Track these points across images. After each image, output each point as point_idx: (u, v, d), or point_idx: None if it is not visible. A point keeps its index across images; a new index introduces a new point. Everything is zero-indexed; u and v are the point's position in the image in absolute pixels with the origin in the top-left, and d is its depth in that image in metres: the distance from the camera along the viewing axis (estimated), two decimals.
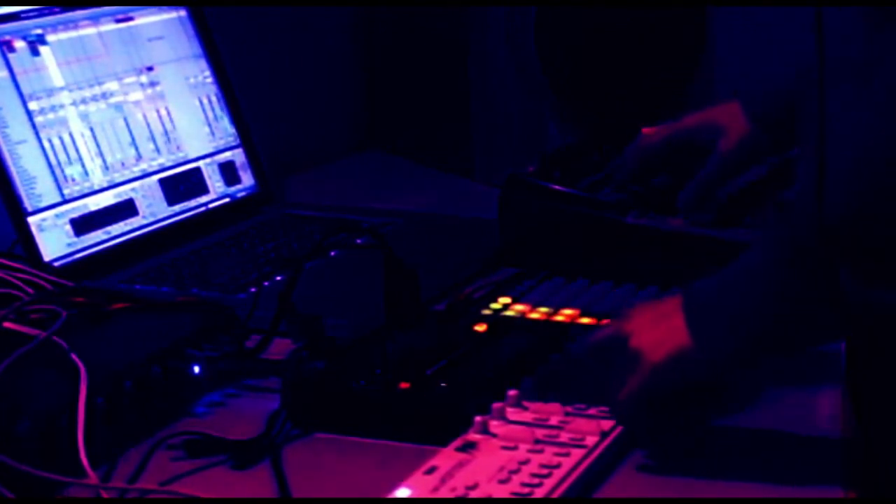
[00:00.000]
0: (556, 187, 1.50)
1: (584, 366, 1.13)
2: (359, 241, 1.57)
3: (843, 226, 0.95)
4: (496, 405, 1.10)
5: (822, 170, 0.96)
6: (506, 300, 1.37)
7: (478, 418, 1.08)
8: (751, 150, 1.41)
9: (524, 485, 1.00)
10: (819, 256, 0.98)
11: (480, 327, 1.27)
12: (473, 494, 0.99)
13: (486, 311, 1.35)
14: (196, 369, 1.20)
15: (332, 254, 1.55)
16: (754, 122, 1.39)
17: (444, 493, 0.99)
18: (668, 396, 1.08)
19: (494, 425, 1.08)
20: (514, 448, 1.05)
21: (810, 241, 0.98)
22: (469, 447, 1.05)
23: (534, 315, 1.34)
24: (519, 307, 1.36)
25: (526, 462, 1.03)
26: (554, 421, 1.10)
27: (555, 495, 0.99)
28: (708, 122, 1.43)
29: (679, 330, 1.05)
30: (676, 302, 1.07)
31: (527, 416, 1.10)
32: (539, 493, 0.99)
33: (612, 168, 1.52)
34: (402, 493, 0.99)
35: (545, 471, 1.01)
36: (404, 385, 1.14)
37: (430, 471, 1.02)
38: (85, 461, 1.03)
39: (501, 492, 0.99)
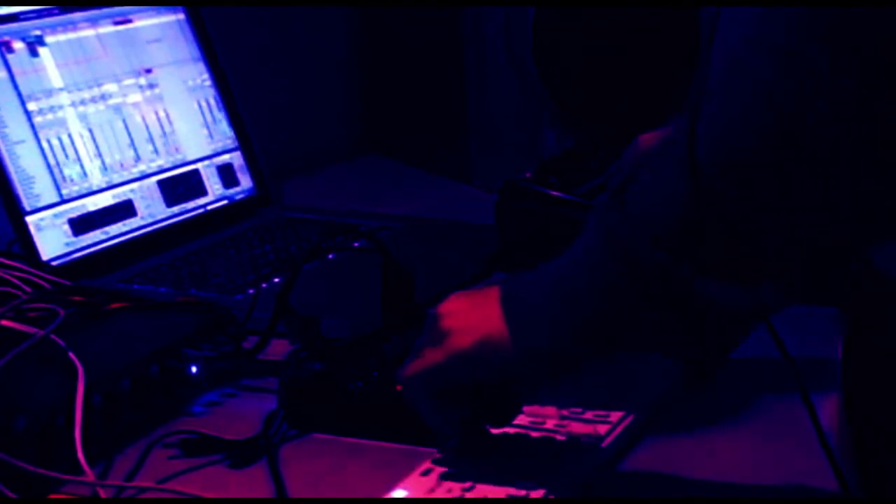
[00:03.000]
0: (553, 193, 1.50)
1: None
2: (356, 243, 1.57)
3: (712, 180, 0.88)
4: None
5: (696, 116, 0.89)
6: None
7: None
8: None
9: (520, 486, 1.00)
10: (649, 252, 0.90)
11: None
12: (470, 496, 0.99)
13: None
14: (193, 369, 1.20)
15: (330, 256, 1.55)
16: None
17: (440, 495, 0.99)
18: (461, 385, 1.01)
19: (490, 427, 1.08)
20: None
21: (640, 234, 0.91)
22: None
23: None
24: None
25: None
26: (549, 425, 1.10)
27: (552, 496, 1.00)
28: None
29: (493, 318, 0.98)
30: (495, 290, 1.00)
31: (522, 420, 1.10)
32: (536, 496, 0.99)
33: (608, 174, 1.53)
34: (399, 494, 1.00)
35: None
36: (400, 387, 1.14)
37: (427, 472, 1.02)
38: (82, 459, 1.03)
39: (498, 494, 0.99)
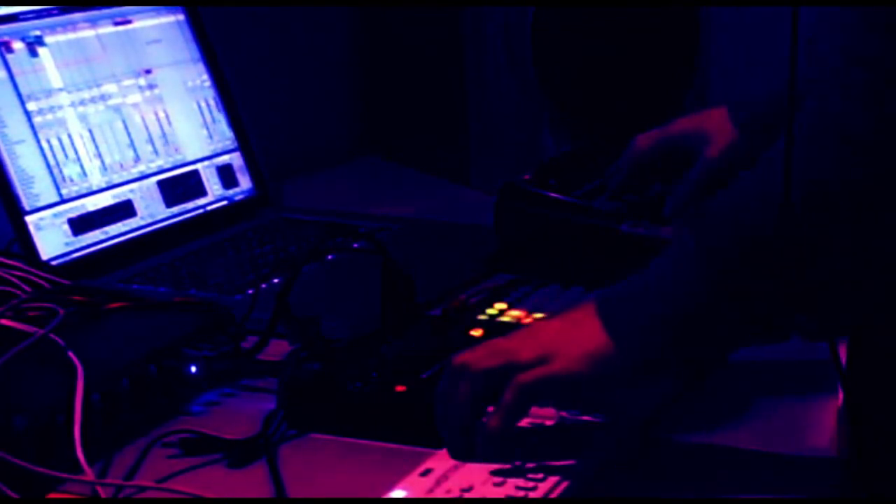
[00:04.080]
0: (552, 195, 1.51)
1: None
2: (355, 244, 1.58)
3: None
4: (490, 409, 1.10)
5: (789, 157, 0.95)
6: (501, 306, 1.37)
7: None
8: (736, 157, 1.41)
9: (518, 488, 1.00)
10: (731, 258, 0.98)
11: (476, 332, 1.28)
12: (468, 497, 0.99)
13: (482, 317, 1.35)
14: (193, 369, 1.20)
15: (330, 257, 1.55)
16: (740, 128, 1.40)
17: (439, 495, 0.99)
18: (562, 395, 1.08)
19: None
20: None
21: (722, 243, 0.99)
22: None
23: (529, 321, 1.34)
24: (514, 313, 1.36)
25: (520, 466, 1.03)
26: (549, 425, 1.11)
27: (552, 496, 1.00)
28: (695, 129, 1.43)
29: (596, 333, 1.03)
30: (588, 308, 1.05)
31: (523, 421, 1.10)
32: (535, 496, 0.99)
33: (607, 175, 1.53)
34: (398, 494, 1.00)
35: (540, 474, 1.02)
36: (400, 388, 1.15)
37: (426, 473, 1.02)
38: (81, 458, 1.03)
39: (497, 495, 0.99)
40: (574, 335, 1.04)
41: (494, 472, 1.02)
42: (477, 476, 1.02)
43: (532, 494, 0.99)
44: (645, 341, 1.03)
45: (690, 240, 1.01)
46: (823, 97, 0.96)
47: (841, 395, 1.13)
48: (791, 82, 0.96)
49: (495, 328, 1.31)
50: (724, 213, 1.01)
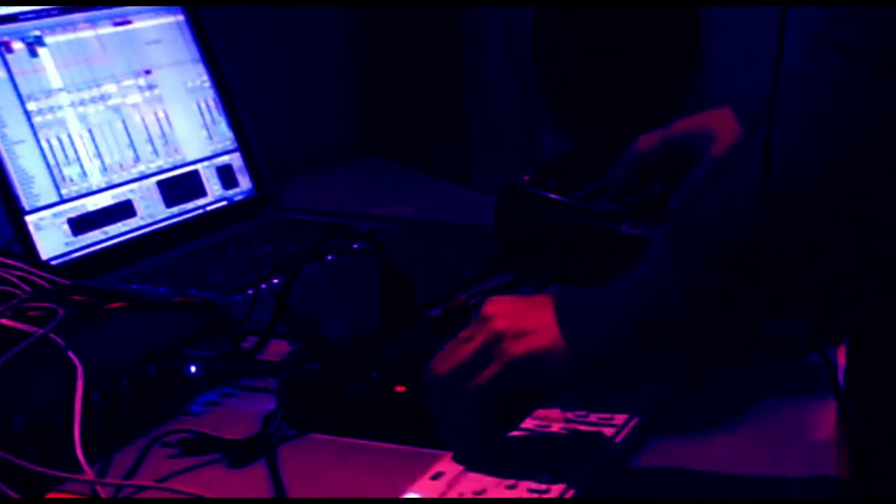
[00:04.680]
0: (552, 196, 1.50)
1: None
2: (355, 245, 1.58)
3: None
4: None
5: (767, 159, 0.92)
6: None
7: None
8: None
9: (531, 490, 1.00)
10: (705, 266, 0.95)
11: None
12: (481, 498, 0.99)
13: None
14: (192, 369, 1.20)
15: (329, 257, 1.55)
16: (747, 127, 1.39)
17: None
18: (515, 393, 1.04)
19: None
20: None
21: (698, 254, 0.96)
22: None
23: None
24: None
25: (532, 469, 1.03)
26: (555, 428, 1.10)
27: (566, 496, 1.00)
28: (699, 128, 1.43)
29: (546, 324, 1.01)
30: (545, 297, 1.03)
31: (528, 423, 1.10)
32: (549, 497, 0.99)
33: (608, 175, 1.53)
34: (411, 496, 1.00)
35: (551, 477, 1.02)
36: (399, 388, 1.14)
37: (437, 476, 1.02)
38: (81, 457, 1.03)
39: (517, 492, 1.00)
40: (522, 326, 1.01)
41: (514, 470, 1.02)
42: (489, 479, 1.01)
43: (546, 496, 0.99)
44: (596, 339, 1.00)
45: (664, 243, 0.99)
46: (806, 89, 0.95)
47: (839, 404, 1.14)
48: (774, 78, 0.95)
49: None
50: (701, 216, 0.99)
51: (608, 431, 1.09)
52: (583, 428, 1.10)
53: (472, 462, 1.04)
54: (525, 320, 1.02)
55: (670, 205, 1.44)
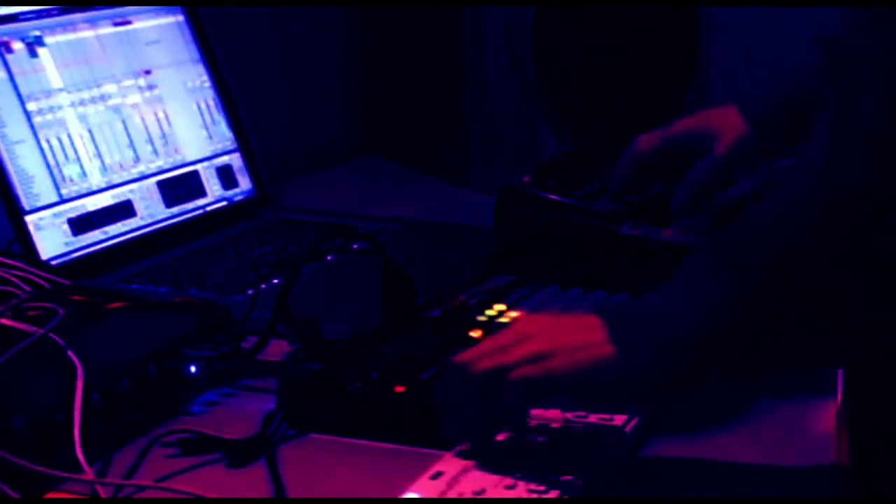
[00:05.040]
0: (552, 197, 1.51)
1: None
2: (355, 245, 1.58)
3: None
4: None
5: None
6: (501, 307, 1.37)
7: None
8: (745, 153, 1.40)
9: (531, 491, 1.00)
10: (760, 281, 0.96)
11: (475, 333, 1.28)
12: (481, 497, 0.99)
13: (481, 318, 1.35)
14: (192, 368, 1.20)
15: (329, 258, 1.55)
16: (751, 125, 1.39)
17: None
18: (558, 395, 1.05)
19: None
20: None
21: (752, 262, 0.97)
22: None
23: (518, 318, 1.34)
24: (514, 314, 1.36)
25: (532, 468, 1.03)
26: (556, 427, 1.10)
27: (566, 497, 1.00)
28: (702, 127, 1.43)
29: (602, 340, 1.02)
30: (590, 317, 1.04)
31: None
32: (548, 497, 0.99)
33: (608, 175, 1.53)
34: (410, 496, 1.00)
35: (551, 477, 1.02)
36: (399, 388, 1.15)
37: (436, 476, 1.02)
38: (81, 457, 1.03)
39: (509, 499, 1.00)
40: (574, 338, 1.03)
41: (504, 476, 1.02)
42: (488, 479, 1.02)
43: (545, 496, 0.99)
44: (653, 359, 1.00)
45: (713, 258, 0.99)
46: (842, 99, 0.95)
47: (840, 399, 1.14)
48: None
49: (495, 329, 1.31)
50: (752, 233, 0.99)
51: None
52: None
53: (479, 456, 1.04)
54: (578, 335, 1.02)
55: (671, 204, 1.44)
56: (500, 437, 1.08)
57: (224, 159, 1.77)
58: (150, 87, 1.71)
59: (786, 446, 1.12)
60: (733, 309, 0.98)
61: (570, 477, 1.02)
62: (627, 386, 1.01)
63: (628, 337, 1.01)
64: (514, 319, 1.08)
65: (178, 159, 1.71)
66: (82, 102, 1.61)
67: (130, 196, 1.62)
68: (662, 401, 1.10)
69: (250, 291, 1.43)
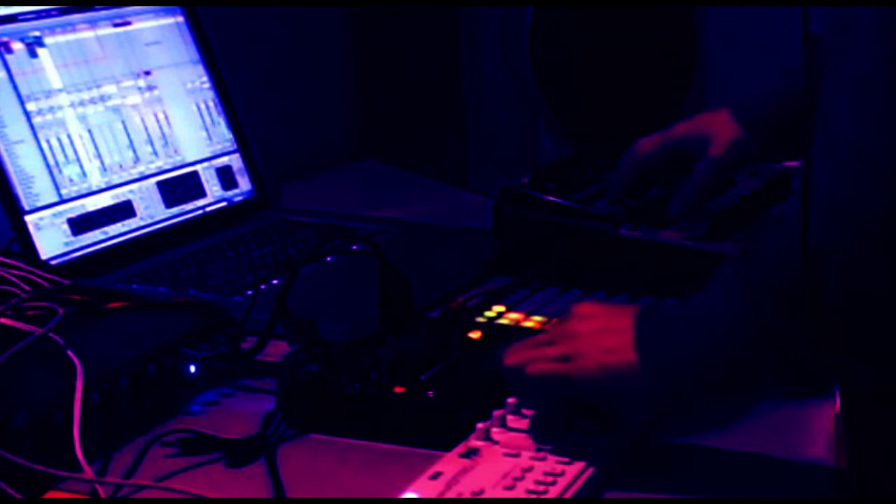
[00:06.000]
0: (550, 199, 1.51)
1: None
2: (354, 247, 1.58)
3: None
4: (496, 412, 1.10)
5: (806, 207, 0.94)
6: (500, 309, 1.38)
7: (479, 425, 1.08)
8: (739, 155, 1.42)
9: (529, 492, 1.00)
10: (777, 302, 0.97)
11: (474, 335, 1.28)
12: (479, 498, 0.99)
13: (481, 319, 1.35)
14: (191, 368, 1.20)
15: (328, 259, 1.55)
16: (744, 127, 1.40)
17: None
18: (586, 400, 1.07)
19: (496, 432, 1.09)
20: (517, 455, 1.05)
21: (768, 285, 0.97)
22: (472, 453, 1.06)
23: (528, 324, 1.35)
24: (513, 316, 1.36)
25: (529, 469, 1.03)
26: None
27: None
28: (697, 130, 1.44)
29: (627, 346, 1.03)
30: (629, 314, 1.06)
31: (526, 424, 1.10)
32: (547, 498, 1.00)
33: (607, 181, 1.53)
34: (409, 496, 1.00)
35: (549, 478, 1.02)
36: (398, 389, 1.15)
37: (435, 476, 1.02)
38: (80, 456, 1.03)
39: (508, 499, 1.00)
40: (601, 342, 1.04)
41: (502, 477, 1.02)
42: (487, 479, 1.02)
43: (544, 497, 0.99)
44: (674, 371, 1.01)
45: (736, 280, 1.00)
46: (853, 125, 0.95)
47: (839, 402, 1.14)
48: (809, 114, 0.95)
49: (493, 330, 1.31)
50: (770, 256, 0.99)
51: None
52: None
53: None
54: (608, 339, 1.04)
55: (670, 207, 1.44)
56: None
57: (224, 160, 1.77)
58: (150, 87, 1.71)
59: (785, 446, 1.12)
60: (745, 331, 0.99)
61: (567, 478, 1.02)
62: (640, 396, 1.03)
63: (653, 350, 1.02)
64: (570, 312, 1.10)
65: (178, 160, 1.71)
66: (82, 103, 1.61)
67: (130, 196, 1.62)
68: (670, 412, 1.09)
69: (249, 292, 1.43)
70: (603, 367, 1.03)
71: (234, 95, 1.81)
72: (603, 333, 1.05)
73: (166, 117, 1.71)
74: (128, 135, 1.65)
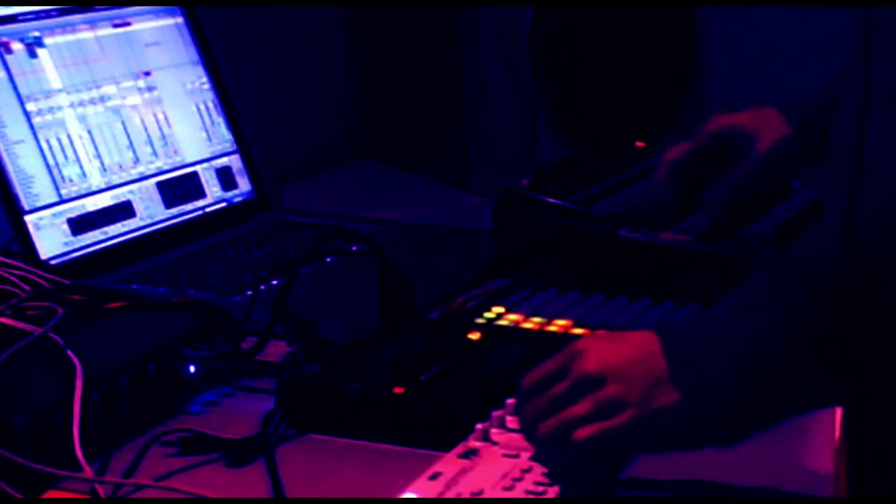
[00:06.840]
0: (550, 200, 1.51)
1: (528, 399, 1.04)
2: (354, 248, 1.58)
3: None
4: (496, 413, 1.10)
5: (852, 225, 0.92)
6: (499, 310, 1.38)
7: (478, 425, 1.08)
8: (787, 153, 1.38)
9: (528, 492, 1.00)
10: (814, 313, 0.94)
11: (474, 335, 1.28)
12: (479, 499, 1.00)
13: (480, 320, 1.35)
14: (191, 368, 1.20)
15: (328, 260, 1.55)
16: (793, 126, 1.37)
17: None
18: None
19: (495, 433, 1.08)
20: (516, 456, 1.05)
21: (804, 298, 0.94)
22: (471, 454, 1.06)
23: (527, 325, 1.35)
24: (512, 317, 1.36)
25: (528, 470, 1.03)
26: None
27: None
28: (738, 127, 1.39)
29: (664, 382, 0.98)
30: (654, 345, 0.99)
31: None
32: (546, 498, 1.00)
33: (628, 194, 1.50)
34: (409, 496, 1.00)
35: (548, 479, 1.02)
36: (398, 390, 1.15)
37: (435, 476, 1.02)
38: (80, 456, 1.03)
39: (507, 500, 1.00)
40: (637, 384, 0.98)
41: (501, 478, 1.02)
42: (487, 479, 1.02)
43: (543, 497, 0.99)
44: (716, 399, 0.96)
45: (768, 292, 0.96)
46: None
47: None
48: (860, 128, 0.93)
49: (493, 331, 1.31)
50: (803, 267, 0.96)
51: None
52: None
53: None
54: (645, 379, 0.98)
55: (708, 194, 1.41)
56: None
57: (223, 161, 1.77)
58: (150, 88, 1.71)
59: (785, 446, 1.12)
60: (785, 349, 0.95)
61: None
62: (695, 435, 0.99)
63: (691, 377, 0.97)
64: (571, 345, 1.03)
65: (178, 160, 1.71)
66: (82, 103, 1.61)
67: (130, 197, 1.62)
68: (733, 440, 1.01)
69: (249, 292, 1.43)
70: (646, 417, 0.98)
71: (233, 96, 1.81)
72: (632, 377, 0.99)
73: (166, 118, 1.71)
74: (127, 135, 1.65)
